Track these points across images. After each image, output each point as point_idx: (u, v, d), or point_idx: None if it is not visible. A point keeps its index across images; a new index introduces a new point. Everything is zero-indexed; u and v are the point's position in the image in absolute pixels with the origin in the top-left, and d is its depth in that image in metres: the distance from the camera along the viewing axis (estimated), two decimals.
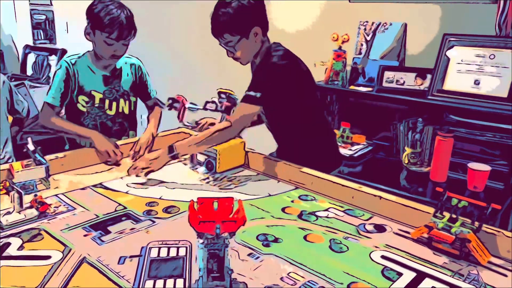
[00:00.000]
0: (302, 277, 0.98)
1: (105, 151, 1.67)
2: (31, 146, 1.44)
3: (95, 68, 1.83)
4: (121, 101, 1.89)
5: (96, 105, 1.85)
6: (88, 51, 1.84)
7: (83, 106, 1.84)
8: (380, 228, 1.23)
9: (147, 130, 1.85)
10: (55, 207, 1.29)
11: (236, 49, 1.59)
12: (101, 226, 1.18)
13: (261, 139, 1.95)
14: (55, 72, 1.82)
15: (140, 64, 1.96)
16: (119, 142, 1.77)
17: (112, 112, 1.89)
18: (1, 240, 1.09)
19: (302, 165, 1.54)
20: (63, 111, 1.89)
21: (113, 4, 1.71)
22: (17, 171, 1.37)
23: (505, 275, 1.02)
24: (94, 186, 1.46)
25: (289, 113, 1.68)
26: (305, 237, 1.16)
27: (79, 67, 1.81)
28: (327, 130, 1.85)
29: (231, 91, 1.77)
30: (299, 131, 1.73)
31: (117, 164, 1.68)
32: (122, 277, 0.96)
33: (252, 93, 1.53)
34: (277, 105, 1.63)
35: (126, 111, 1.92)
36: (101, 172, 1.61)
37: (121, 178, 1.55)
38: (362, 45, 2.45)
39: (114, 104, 1.88)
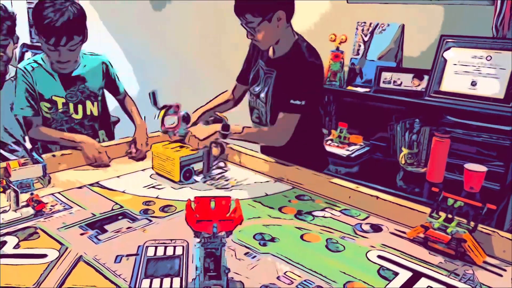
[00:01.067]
0: (299, 276, 0.98)
1: (92, 156, 1.62)
2: (28, 145, 1.44)
3: (53, 72, 1.71)
4: (88, 103, 1.78)
5: (60, 110, 1.74)
6: (44, 55, 1.73)
7: (47, 113, 1.74)
8: (376, 228, 1.23)
9: (139, 126, 1.82)
10: (51, 205, 1.29)
11: (256, 31, 1.49)
12: (97, 225, 1.18)
13: None
14: (15, 81, 1.73)
15: (105, 59, 1.84)
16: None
17: (79, 116, 1.77)
18: None
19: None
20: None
21: (53, 5, 1.55)
22: (14, 169, 1.36)
23: (501, 275, 1.02)
24: (91, 185, 1.46)
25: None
26: (301, 237, 1.16)
27: (36, 72, 1.70)
28: (318, 129, 1.85)
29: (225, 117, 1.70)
30: (300, 127, 1.66)
31: (105, 166, 1.65)
32: (119, 275, 0.96)
33: (297, 102, 1.51)
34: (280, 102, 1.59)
35: (95, 112, 1.81)
36: (98, 171, 1.61)
37: (118, 177, 1.55)
38: (359, 45, 2.45)
39: (80, 107, 1.76)
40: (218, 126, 1.53)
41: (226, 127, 1.52)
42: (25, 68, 1.70)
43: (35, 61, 1.72)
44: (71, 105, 1.75)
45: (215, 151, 1.64)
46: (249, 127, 1.61)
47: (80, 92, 1.75)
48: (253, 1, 1.46)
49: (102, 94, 1.85)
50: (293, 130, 1.55)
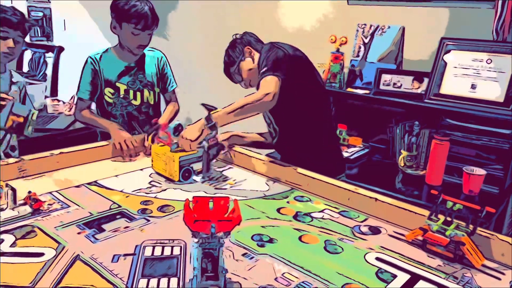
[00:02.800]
0: (297, 277, 0.98)
1: (119, 144, 1.73)
2: None
3: (119, 61, 1.95)
4: (145, 91, 1.99)
5: (121, 96, 1.96)
6: (111, 47, 1.97)
7: (110, 98, 1.96)
8: (375, 230, 1.23)
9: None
10: (49, 204, 1.28)
11: (240, 72, 1.77)
12: (95, 224, 1.18)
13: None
14: (82, 68, 1.95)
15: (163, 56, 2.07)
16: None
17: (137, 102, 1.99)
18: None
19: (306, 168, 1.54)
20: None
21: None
22: None
23: (499, 278, 1.02)
24: (89, 184, 1.46)
25: (298, 109, 1.67)
26: (300, 238, 1.16)
27: (103, 61, 1.94)
28: (332, 134, 1.86)
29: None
30: (306, 133, 1.71)
31: (132, 158, 1.73)
32: (116, 275, 0.95)
33: (262, 70, 1.58)
34: (286, 97, 1.59)
35: (151, 101, 2.03)
36: (96, 170, 1.60)
37: (116, 176, 1.54)
38: (360, 47, 2.45)
39: (139, 94, 1.98)
40: (203, 121, 1.49)
41: (208, 118, 1.49)
42: (94, 57, 1.95)
43: (104, 52, 1.97)
44: (131, 92, 1.97)
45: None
46: (230, 107, 1.55)
47: (139, 80, 1.98)
48: (228, 57, 1.79)
49: (159, 86, 2.06)
50: (275, 88, 1.51)
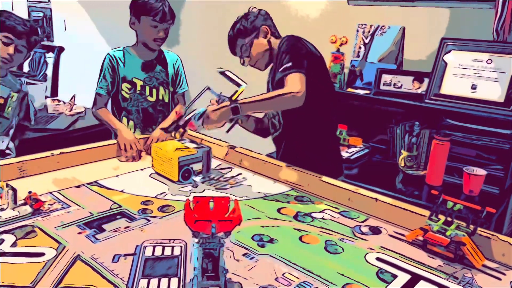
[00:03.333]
0: (297, 277, 0.98)
1: (123, 145, 1.75)
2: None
3: (136, 57, 2.00)
4: (161, 89, 2.04)
5: (138, 92, 2.01)
6: (129, 46, 2.02)
7: (126, 93, 2.01)
8: (375, 230, 1.23)
9: (159, 125, 1.93)
10: (49, 204, 1.28)
11: (251, 50, 1.72)
12: (95, 224, 1.18)
13: (257, 139, 1.95)
14: (101, 64, 2.00)
15: (178, 58, 2.11)
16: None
17: (153, 99, 2.03)
18: None
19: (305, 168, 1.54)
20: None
21: None
22: None
23: (499, 279, 1.02)
24: (89, 184, 1.46)
25: (307, 107, 1.59)
26: (300, 238, 1.16)
27: (122, 58, 1.99)
28: (334, 135, 1.87)
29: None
30: (310, 131, 1.71)
31: (134, 160, 1.75)
32: (116, 275, 0.95)
33: (286, 65, 1.55)
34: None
35: (166, 99, 2.07)
36: (96, 170, 1.60)
37: (117, 176, 1.54)
38: (360, 47, 2.46)
39: (155, 91, 2.03)
40: (228, 110, 1.48)
41: (236, 109, 1.47)
42: (113, 54, 2.00)
43: (123, 48, 2.02)
44: (147, 88, 2.02)
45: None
46: (261, 94, 1.58)
47: (156, 78, 2.03)
48: (239, 30, 1.73)
49: (173, 86, 2.10)
50: (302, 85, 1.50)
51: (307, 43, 1.66)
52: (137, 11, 1.92)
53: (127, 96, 2.01)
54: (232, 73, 1.63)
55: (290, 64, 1.54)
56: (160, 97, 2.05)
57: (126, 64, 2.00)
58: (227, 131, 1.61)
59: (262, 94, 1.56)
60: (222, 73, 1.64)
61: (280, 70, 1.57)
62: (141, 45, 1.99)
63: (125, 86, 2.00)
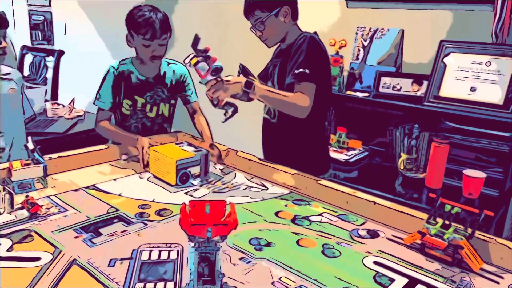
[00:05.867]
0: (294, 282, 0.97)
1: (142, 147, 1.67)
2: (30, 145, 1.44)
3: (139, 74, 1.91)
4: (161, 104, 1.96)
5: (138, 108, 1.93)
6: (133, 57, 1.92)
7: (127, 110, 1.93)
8: (373, 234, 1.22)
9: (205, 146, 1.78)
10: (46, 208, 1.28)
11: (265, 24, 1.65)
12: (92, 228, 1.17)
13: (255, 143, 1.95)
14: (103, 77, 1.90)
15: (182, 67, 1.98)
16: None
17: (153, 115, 1.96)
18: None
19: (291, 165, 1.56)
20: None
21: (145, 8, 1.81)
22: (15, 170, 1.36)
23: (497, 282, 1.01)
24: (87, 187, 1.45)
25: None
26: (297, 242, 1.15)
27: (124, 72, 1.90)
28: (322, 133, 1.86)
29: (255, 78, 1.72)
30: (300, 126, 1.72)
31: (144, 165, 1.65)
32: (112, 279, 0.95)
33: (301, 70, 1.57)
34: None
35: (166, 113, 1.99)
36: (94, 174, 1.60)
37: (114, 180, 1.54)
38: (359, 50, 2.46)
39: (155, 108, 1.95)
40: (242, 78, 1.54)
41: (249, 84, 1.52)
42: (115, 67, 1.90)
43: (125, 62, 1.92)
44: (148, 105, 1.94)
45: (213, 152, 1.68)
46: (272, 90, 1.64)
47: (157, 95, 1.94)
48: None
49: (176, 98, 2.02)
50: (312, 98, 1.58)
51: (321, 42, 1.67)
52: (129, 27, 1.82)
53: (127, 112, 1.92)
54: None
55: (307, 71, 1.56)
56: (160, 112, 1.97)
57: (128, 80, 1.90)
58: (224, 121, 1.60)
59: (278, 91, 1.61)
60: (243, 66, 1.66)
61: (295, 70, 1.58)
62: (141, 60, 1.89)
63: (126, 102, 1.92)
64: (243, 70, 1.68)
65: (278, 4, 1.64)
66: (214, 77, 1.54)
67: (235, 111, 1.61)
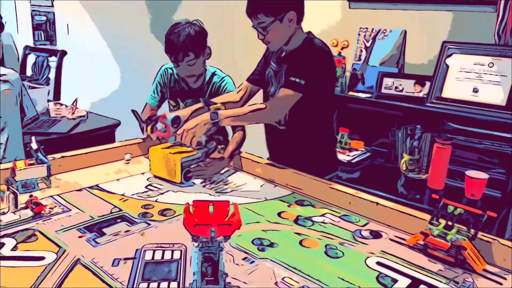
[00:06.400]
0: (297, 282, 0.97)
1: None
2: (34, 145, 1.45)
3: (182, 81, 1.95)
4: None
5: (182, 109, 1.92)
6: None
7: (171, 110, 2.01)
8: (376, 234, 1.22)
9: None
10: (50, 208, 1.28)
11: (268, 31, 1.53)
12: (96, 228, 1.18)
13: (258, 143, 1.94)
14: (156, 75, 2.00)
15: (226, 79, 1.95)
16: None
17: None
18: None
19: (297, 166, 1.55)
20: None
21: (178, 26, 1.80)
22: (19, 169, 1.37)
23: (500, 283, 1.01)
24: (90, 187, 1.46)
25: (312, 106, 1.62)
26: (300, 242, 1.16)
27: (173, 75, 1.96)
28: (331, 133, 1.85)
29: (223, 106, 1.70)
30: (310, 129, 1.69)
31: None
32: (116, 279, 0.95)
33: (296, 79, 1.50)
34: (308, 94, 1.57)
35: (222, 108, 1.92)
36: (97, 174, 1.61)
37: (117, 180, 1.54)
38: (361, 51, 2.46)
39: None
40: (207, 116, 1.47)
41: (214, 115, 1.46)
42: (166, 68, 1.98)
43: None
44: None
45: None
46: (242, 107, 1.58)
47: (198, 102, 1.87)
48: (265, 1, 1.50)
49: None
50: (289, 107, 1.52)
51: (330, 52, 1.61)
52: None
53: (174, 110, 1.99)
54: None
55: (302, 82, 1.49)
56: None
57: (175, 82, 1.97)
58: (209, 154, 1.58)
59: (243, 107, 1.56)
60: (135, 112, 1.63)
61: (291, 77, 1.51)
62: None
63: (170, 102, 2.01)
64: (138, 117, 1.64)
65: (284, 9, 1.51)
66: (177, 128, 1.53)
67: (218, 144, 1.62)
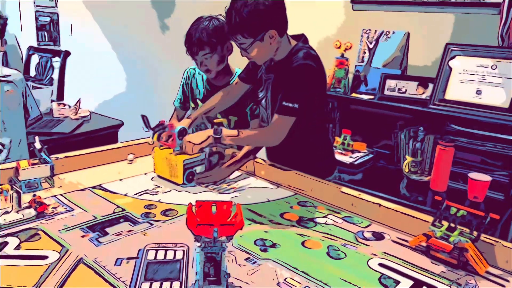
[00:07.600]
0: (299, 283, 0.97)
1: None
2: (37, 145, 1.45)
3: (205, 81, 1.93)
4: (217, 114, 1.87)
5: None
6: None
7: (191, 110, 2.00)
8: (378, 236, 1.22)
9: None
10: (53, 207, 1.29)
11: (249, 51, 1.49)
12: (98, 228, 1.18)
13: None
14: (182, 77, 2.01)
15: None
16: None
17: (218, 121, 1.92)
18: None
19: (296, 168, 1.56)
20: None
21: (199, 20, 1.78)
22: (23, 169, 1.37)
23: (503, 286, 1.01)
24: (93, 187, 1.46)
25: (306, 117, 1.59)
26: (303, 243, 1.16)
27: (195, 76, 1.96)
28: (326, 136, 1.85)
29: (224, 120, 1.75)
30: (304, 132, 1.66)
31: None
32: (119, 278, 0.95)
33: (289, 104, 1.48)
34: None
35: (225, 125, 1.88)
36: (100, 174, 1.61)
37: (120, 180, 1.55)
38: (364, 53, 2.46)
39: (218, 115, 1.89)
40: (211, 131, 1.51)
41: (218, 131, 1.49)
42: (189, 70, 1.99)
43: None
44: None
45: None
46: (244, 130, 1.58)
47: None
48: (241, 23, 1.43)
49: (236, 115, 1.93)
50: (286, 131, 1.52)
51: (318, 66, 1.56)
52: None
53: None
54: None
55: (296, 106, 1.47)
56: (219, 117, 1.90)
57: (195, 84, 1.96)
58: (212, 167, 1.61)
59: (245, 129, 1.58)
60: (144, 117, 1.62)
61: (284, 102, 1.49)
62: None
63: (191, 103, 1.99)
64: (146, 122, 1.63)
65: (263, 29, 1.44)
66: (181, 138, 1.55)
67: (220, 158, 1.65)
